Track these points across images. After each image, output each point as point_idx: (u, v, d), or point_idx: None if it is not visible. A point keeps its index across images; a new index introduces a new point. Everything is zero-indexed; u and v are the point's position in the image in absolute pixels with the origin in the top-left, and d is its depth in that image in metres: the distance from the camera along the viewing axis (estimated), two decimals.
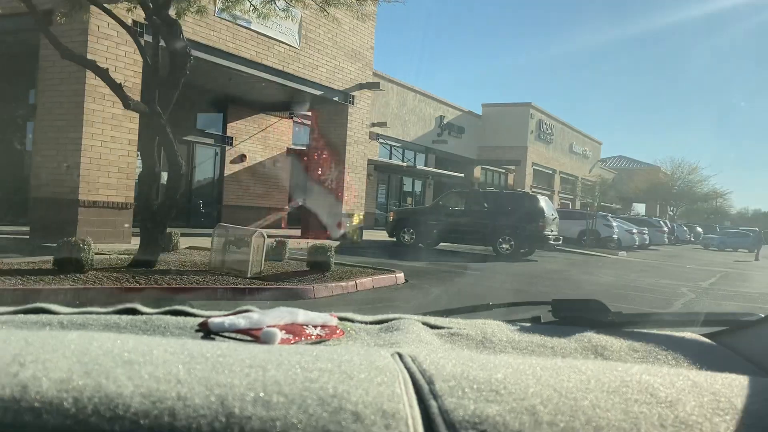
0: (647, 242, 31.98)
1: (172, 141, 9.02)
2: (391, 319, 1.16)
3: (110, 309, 1.07)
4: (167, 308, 1.09)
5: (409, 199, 28.86)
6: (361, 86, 18.42)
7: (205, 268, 9.40)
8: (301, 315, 1.03)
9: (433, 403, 0.59)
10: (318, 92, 17.18)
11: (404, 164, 27.33)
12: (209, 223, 15.76)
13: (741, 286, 14.75)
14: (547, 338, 1.08)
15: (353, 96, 18.25)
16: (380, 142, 26.96)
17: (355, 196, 18.49)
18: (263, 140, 21.55)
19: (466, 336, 1.08)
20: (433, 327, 1.13)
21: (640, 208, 62.43)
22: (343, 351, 0.72)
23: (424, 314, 1.23)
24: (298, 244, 13.59)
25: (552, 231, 18.29)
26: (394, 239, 19.32)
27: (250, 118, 20.92)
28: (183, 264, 9.72)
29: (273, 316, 0.99)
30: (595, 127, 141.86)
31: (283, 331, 0.96)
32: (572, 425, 0.57)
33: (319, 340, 1.01)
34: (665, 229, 37.09)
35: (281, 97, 18.55)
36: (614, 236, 27.80)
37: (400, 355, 0.71)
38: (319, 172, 17.99)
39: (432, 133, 30.99)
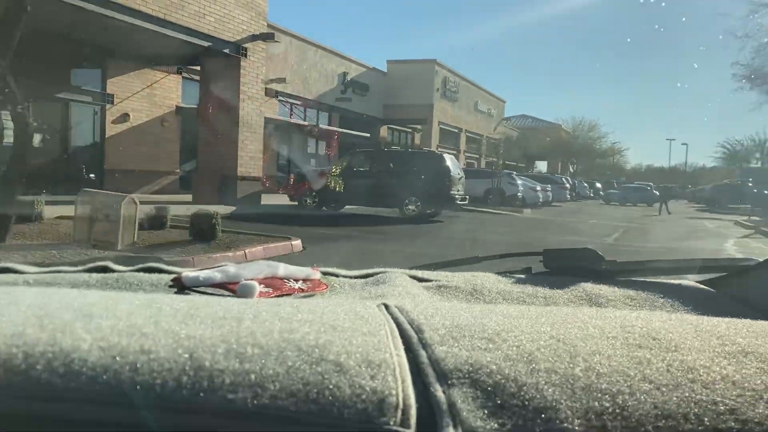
0: (551, 199, 32.40)
1: (15, 93, 7.58)
2: (376, 273, 1.12)
3: (80, 267, 1.03)
4: (141, 265, 1.05)
5: (312, 161, 27.61)
6: (254, 37, 17.01)
7: (69, 240, 8.25)
8: (282, 269, 1.02)
9: (422, 353, 0.57)
10: (206, 43, 15.67)
11: (306, 123, 26.05)
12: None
13: (644, 240, 14.77)
14: (540, 288, 1.05)
15: (246, 48, 16.83)
16: (279, 100, 25.54)
17: (252, 157, 17.22)
18: (149, 98, 19.75)
19: (455, 288, 1.05)
20: (420, 280, 1.09)
21: (542, 166, 63.87)
22: (326, 303, 0.72)
23: (410, 268, 1.17)
24: (187, 211, 12.36)
25: (458, 191, 17.76)
26: (296, 203, 18.25)
27: (133, 73, 19.04)
28: (43, 236, 8.70)
29: (251, 270, 0.98)
30: (499, 85, 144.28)
31: (262, 285, 0.94)
32: (572, 372, 0.55)
33: (302, 294, 0.98)
34: (567, 185, 37.71)
35: (167, 50, 16.89)
36: (519, 194, 27.84)
37: (387, 306, 0.69)
38: (211, 132, 16.58)
39: (335, 90, 29.77)
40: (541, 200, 29.80)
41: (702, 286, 1.13)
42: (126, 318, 0.57)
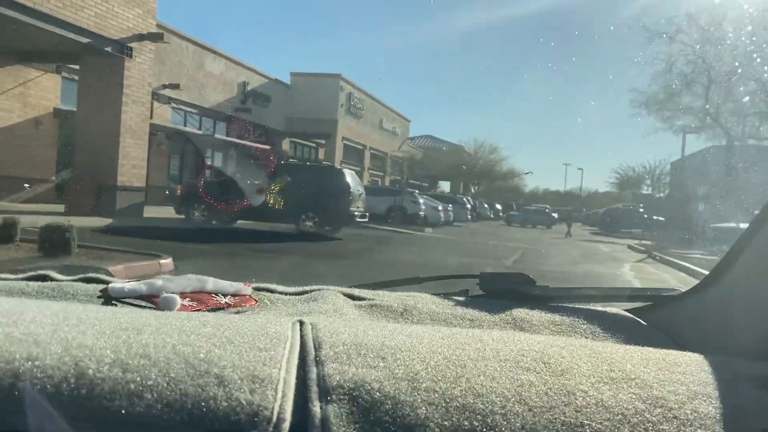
0: (452, 219, 32.32)
1: None
2: (312, 290, 1.14)
3: (20, 276, 1.05)
4: (81, 276, 1.07)
5: (207, 172, 26.19)
6: (141, 37, 15.70)
7: None
8: (211, 283, 1.03)
9: (312, 369, 0.59)
10: (84, 39, 14.24)
11: (200, 132, 24.65)
12: None
13: (543, 263, 14.56)
14: (470, 311, 1.07)
15: (131, 48, 15.48)
16: (173, 107, 24.07)
17: (134, 165, 15.82)
18: (22, 98, 17.90)
19: (387, 308, 1.06)
20: (355, 298, 1.11)
21: (446, 186, 64.59)
22: (240, 318, 0.72)
23: (350, 286, 1.20)
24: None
25: (358, 207, 17.08)
26: (183, 216, 16.94)
27: (2, 69, 17.18)
28: None
29: (178, 284, 0.99)
30: (405, 105, 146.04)
31: (187, 299, 0.96)
32: (452, 392, 0.58)
33: (231, 309, 0.99)
34: (468, 206, 37.80)
35: (40, 45, 15.28)
36: (421, 213, 27.50)
37: (302, 323, 0.70)
38: (91, 137, 15.07)
39: (235, 100, 28.54)
40: (442, 220, 29.60)
41: (627, 314, 1.15)
42: (26, 326, 0.58)
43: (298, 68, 35.20)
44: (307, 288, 1.15)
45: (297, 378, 0.57)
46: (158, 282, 0.97)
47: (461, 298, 1.18)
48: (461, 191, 58.31)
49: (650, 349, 0.75)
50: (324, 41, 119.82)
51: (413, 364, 0.60)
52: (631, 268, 14.35)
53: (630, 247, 26.22)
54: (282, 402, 0.53)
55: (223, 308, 0.99)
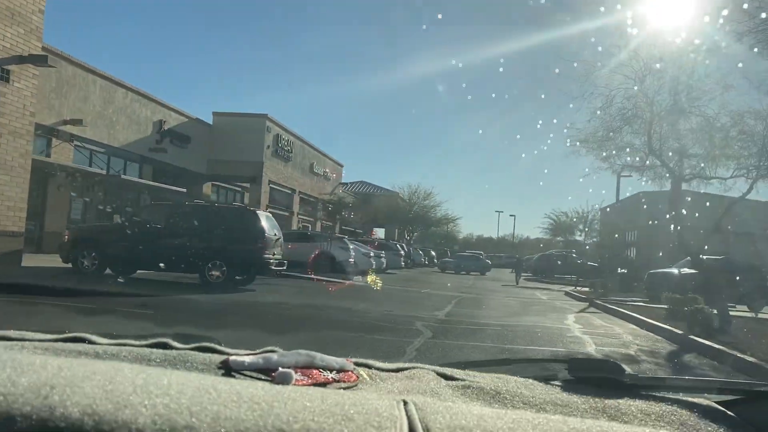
0: (385, 266, 30.75)
1: None
2: (406, 368, 1.20)
3: (143, 342, 1.13)
4: (196, 344, 1.15)
5: (116, 217, 23.79)
6: (21, 59, 13.67)
7: None
8: (318, 359, 1.10)
9: None
10: None
11: (102, 171, 22.37)
12: None
13: (478, 314, 13.02)
14: (560, 396, 1.09)
15: (9, 71, 13.43)
16: (76, 145, 21.81)
17: (10, 207, 13.58)
18: None
19: (480, 389, 1.10)
20: (448, 378, 1.16)
21: (381, 233, 63.22)
22: (350, 395, 0.78)
23: (442, 365, 1.25)
24: None
25: (275, 254, 15.19)
26: (70, 265, 14.68)
27: None
28: None
29: (290, 358, 1.07)
30: (339, 151, 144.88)
31: (299, 373, 1.04)
32: None
33: (332, 383, 1.05)
34: (402, 252, 36.23)
35: None
36: (351, 260, 25.81)
37: (405, 403, 0.75)
38: None
39: (149, 139, 26.42)
40: (374, 267, 27.97)
41: (719, 407, 1.12)
42: (175, 396, 0.66)
43: (224, 108, 33.28)
44: (401, 365, 1.21)
45: None
46: (274, 356, 1.06)
47: (548, 383, 1.18)
48: (396, 237, 56.97)
49: None
50: (251, 84, 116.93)
51: None
52: (575, 320, 12.98)
53: (567, 294, 25.17)
54: None
55: (329, 383, 1.05)
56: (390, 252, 34.09)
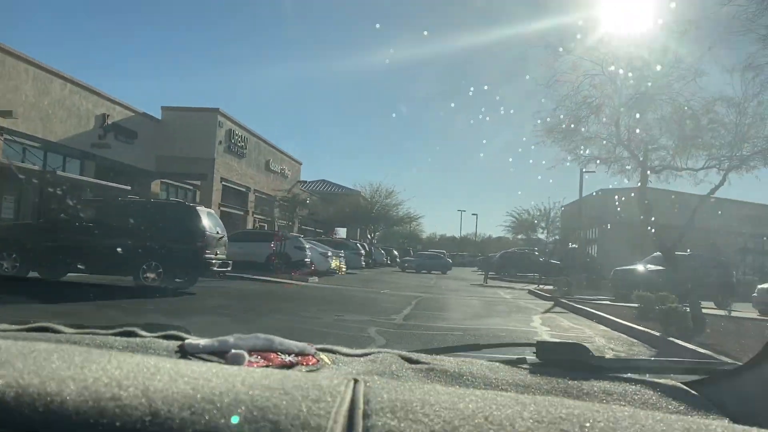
0: (344, 266, 29.62)
1: None
2: (372, 353, 1.19)
3: (109, 331, 1.17)
4: (162, 333, 1.17)
5: (47, 214, 22.12)
6: None
7: None
8: (277, 342, 1.10)
9: (359, 421, 0.63)
10: None
11: (35, 167, 20.78)
12: None
13: (439, 317, 12.04)
14: (524, 378, 1.09)
15: None
16: (5, 139, 20.17)
17: None
18: None
19: (443, 372, 1.09)
20: (413, 362, 1.14)
21: (343, 232, 62.01)
22: (299, 375, 0.79)
23: (410, 351, 1.23)
24: None
25: (217, 254, 13.97)
26: None
27: None
28: None
29: (248, 342, 1.07)
30: (299, 149, 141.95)
31: (254, 356, 1.04)
32: None
33: (290, 366, 1.05)
34: (362, 252, 35.03)
35: None
36: (307, 260, 24.63)
37: (356, 381, 0.74)
38: None
39: (91, 134, 24.81)
40: (332, 267, 26.84)
41: (682, 386, 1.13)
42: (112, 372, 0.68)
43: (174, 104, 31.68)
44: (366, 350, 1.21)
45: (344, 429, 0.61)
46: (230, 340, 1.06)
47: (516, 366, 1.18)
48: (358, 237, 55.80)
49: (698, 420, 0.75)
50: (206, 77, 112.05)
51: (453, 422, 0.63)
52: (542, 321, 12.10)
53: (531, 292, 24.42)
54: None
55: (287, 366, 1.04)
56: (350, 251, 33.01)
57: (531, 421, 0.65)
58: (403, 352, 1.19)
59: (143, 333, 1.15)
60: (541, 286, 29.92)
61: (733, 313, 14.39)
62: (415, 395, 0.70)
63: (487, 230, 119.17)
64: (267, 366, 1.01)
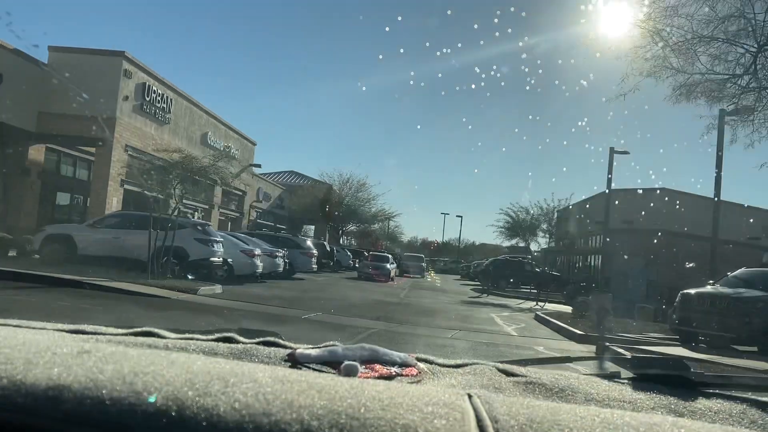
0: (283, 268, 21.97)
1: None
2: (468, 364, 1.19)
3: (209, 337, 1.17)
4: (261, 339, 1.19)
5: None
6: None
7: None
8: (381, 353, 1.11)
9: None
10: None
11: None
12: None
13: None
14: (624, 393, 1.07)
15: None
16: None
17: None
18: None
19: (542, 385, 1.08)
20: (509, 374, 1.14)
21: (311, 231, 54.62)
22: (415, 388, 0.78)
23: (502, 362, 1.23)
24: None
25: None
26: None
27: None
28: None
29: (355, 352, 1.08)
30: (263, 137, 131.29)
31: (363, 366, 1.04)
32: None
33: (396, 377, 1.05)
34: (314, 252, 27.11)
35: None
36: (217, 259, 17.10)
37: (470, 396, 0.75)
38: None
39: None
40: (260, 270, 19.26)
41: None
42: (252, 385, 0.69)
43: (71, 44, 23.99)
44: (462, 361, 1.20)
45: None
46: (338, 349, 1.08)
47: (613, 381, 1.15)
48: (327, 238, 48.23)
49: None
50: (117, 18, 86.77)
51: None
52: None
53: (537, 318, 17.01)
54: None
55: (392, 376, 1.04)
56: (296, 250, 25.43)
57: None
58: (498, 364, 1.19)
59: (242, 339, 1.17)
60: (539, 304, 22.77)
61: None
62: (540, 412, 0.70)
63: (473, 236, 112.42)
64: (377, 377, 1.01)
